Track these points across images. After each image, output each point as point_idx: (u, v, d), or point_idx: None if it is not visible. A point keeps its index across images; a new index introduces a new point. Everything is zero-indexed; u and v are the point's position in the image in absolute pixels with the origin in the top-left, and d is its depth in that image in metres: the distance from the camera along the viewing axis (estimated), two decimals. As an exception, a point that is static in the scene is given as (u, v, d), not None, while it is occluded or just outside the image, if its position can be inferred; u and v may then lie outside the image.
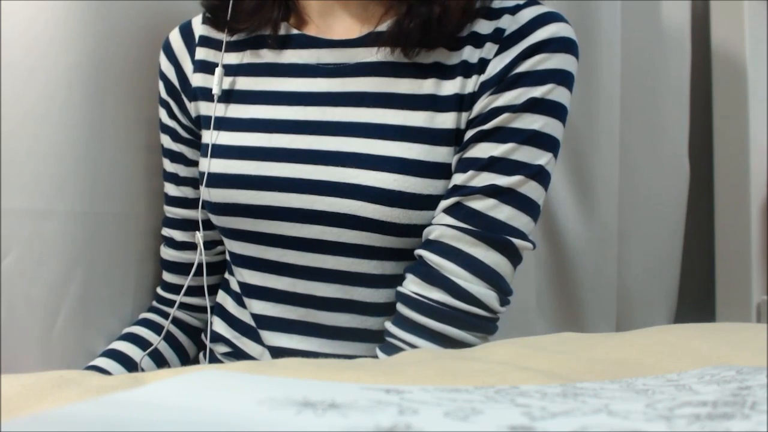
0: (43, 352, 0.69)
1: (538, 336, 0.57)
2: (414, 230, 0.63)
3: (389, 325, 0.64)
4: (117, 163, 0.75)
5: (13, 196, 0.67)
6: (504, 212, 0.62)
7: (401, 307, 0.63)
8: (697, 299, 1.32)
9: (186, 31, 0.75)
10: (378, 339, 0.67)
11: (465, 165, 0.63)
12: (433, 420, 0.28)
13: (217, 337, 0.75)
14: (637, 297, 1.21)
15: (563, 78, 0.63)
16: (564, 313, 1.13)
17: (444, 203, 0.63)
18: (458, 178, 0.63)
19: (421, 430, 0.27)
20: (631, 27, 1.16)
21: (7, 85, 0.67)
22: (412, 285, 0.62)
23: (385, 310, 0.67)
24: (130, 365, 0.72)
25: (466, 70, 0.64)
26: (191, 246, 0.76)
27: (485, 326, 0.62)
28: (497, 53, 0.63)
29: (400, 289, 0.64)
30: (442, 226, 0.62)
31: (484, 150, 0.62)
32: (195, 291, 0.76)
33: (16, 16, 0.67)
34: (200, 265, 0.74)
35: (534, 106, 0.62)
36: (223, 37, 0.71)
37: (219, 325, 0.75)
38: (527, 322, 1.05)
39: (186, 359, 0.80)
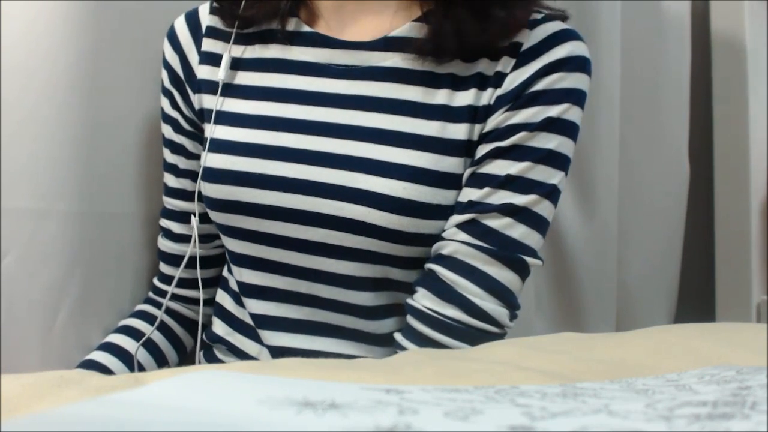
0: (43, 352, 0.69)
1: (538, 336, 0.57)
2: (420, 239, 0.63)
3: (399, 338, 0.64)
4: (117, 162, 0.75)
5: (13, 196, 0.67)
6: (518, 231, 0.62)
7: (413, 321, 0.63)
8: (697, 299, 1.32)
9: (192, 20, 0.73)
10: (381, 341, 0.67)
11: (480, 181, 0.63)
12: (433, 420, 0.28)
13: (214, 336, 0.75)
14: (637, 297, 1.21)
15: (578, 97, 0.64)
16: (564, 313, 1.13)
17: (458, 218, 0.62)
18: (473, 194, 0.62)
19: (421, 430, 0.27)
20: (632, 26, 1.16)
21: (7, 86, 0.67)
22: (425, 300, 0.62)
23: (388, 313, 0.67)
24: (125, 358, 0.72)
25: (481, 82, 0.64)
26: (189, 238, 0.75)
27: (494, 341, 0.62)
28: (514, 68, 0.63)
29: (411, 302, 0.63)
30: (456, 243, 0.62)
31: (500, 167, 0.62)
32: (192, 283, 0.75)
33: (16, 17, 0.67)
34: (194, 257, 0.74)
35: (550, 125, 0.62)
36: (230, 28, 0.70)
37: (218, 325, 0.75)
38: (527, 322, 1.05)
39: (183, 352, 0.80)
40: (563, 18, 0.66)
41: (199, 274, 0.73)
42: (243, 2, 0.69)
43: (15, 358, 0.67)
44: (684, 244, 1.29)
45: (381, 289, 0.66)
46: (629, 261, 1.19)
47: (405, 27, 0.65)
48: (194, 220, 0.73)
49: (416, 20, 0.65)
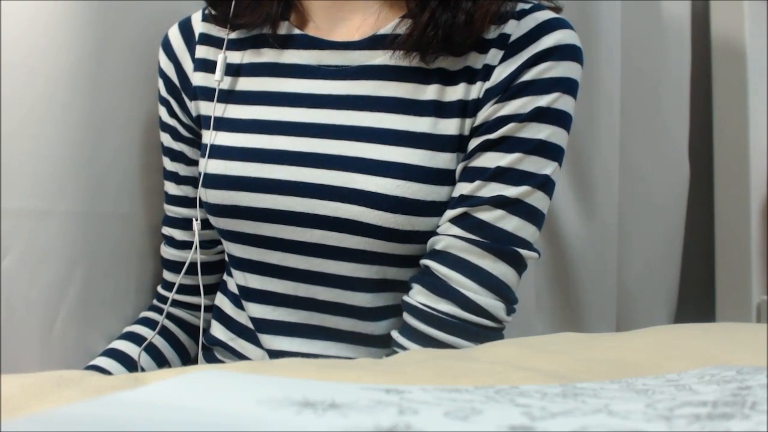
0: (43, 352, 0.69)
1: (538, 336, 0.57)
2: (416, 236, 0.63)
3: (396, 335, 0.63)
4: (117, 162, 0.75)
5: (13, 196, 0.67)
6: (511, 223, 0.62)
7: (408, 318, 0.63)
8: (697, 299, 1.32)
9: (185, 29, 0.74)
10: (380, 343, 0.67)
11: (471, 174, 0.62)
12: (433, 420, 0.28)
13: (215, 341, 0.75)
14: (637, 297, 1.21)
15: (568, 86, 0.63)
16: (564, 314, 1.13)
17: (451, 213, 0.62)
18: (465, 188, 0.62)
19: (421, 430, 0.27)
20: (632, 26, 1.16)
21: (7, 86, 0.67)
22: (419, 296, 0.62)
23: (387, 314, 0.66)
24: (129, 364, 0.72)
25: (470, 76, 0.63)
26: (192, 245, 0.76)
27: (492, 336, 0.62)
28: (502, 60, 0.62)
29: (406, 299, 0.63)
30: (449, 237, 0.62)
31: (490, 160, 0.62)
32: (195, 290, 0.76)
33: (16, 16, 0.67)
34: (196, 263, 0.74)
35: (540, 115, 0.62)
36: (223, 34, 0.71)
37: (217, 329, 0.75)
38: (527, 322, 1.05)
39: (187, 359, 0.80)
40: (555, 9, 0.65)
41: (200, 279, 0.73)
42: (232, 8, 0.69)
43: (15, 358, 0.67)
44: (684, 244, 1.29)
45: (380, 290, 0.66)
46: (629, 261, 1.19)
47: (392, 24, 0.65)
48: (196, 227, 0.73)
49: (403, 17, 0.65)
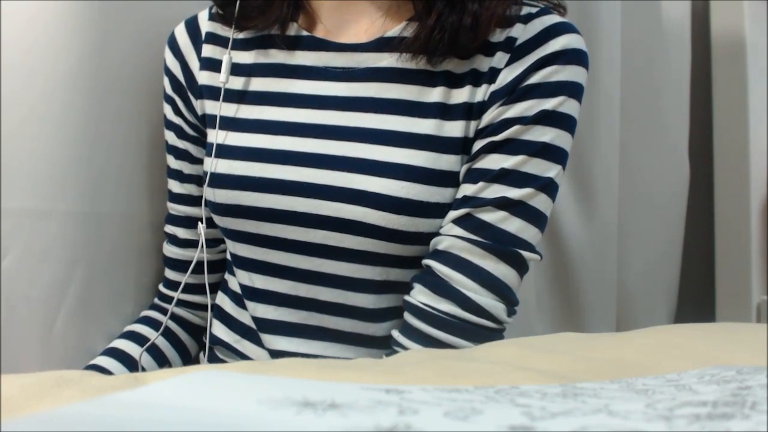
0: (43, 352, 0.69)
1: (538, 336, 0.57)
2: (419, 238, 0.63)
3: (396, 334, 0.63)
4: (117, 162, 0.75)
5: (13, 196, 0.67)
6: (514, 224, 0.62)
7: (409, 317, 0.63)
8: (697, 299, 1.32)
9: (192, 27, 0.74)
10: (380, 344, 0.67)
11: (475, 176, 0.63)
12: (433, 420, 0.28)
13: (216, 341, 0.75)
14: (637, 297, 1.21)
15: (574, 90, 0.63)
16: (564, 314, 1.13)
17: (453, 213, 0.62)
18: (468, 189, 0.62)
19: (421, 430, 0.27)
20: (632, 26, 1.16)
21: (7, 86, 0.67)
22: (420, 295, 0.62)
23: (388, 315, 0.66)
24: (130, 363, 0.72)
25: (476, 78, 0.63)
26: (194, 243, 0.76)
27: (492, 337, 0.62)
28: (508, 63, 0.63)
29: (407, 298, 0.63)
30: (451, 237, 0.62)
31: (494, 161, 0.62)
32: (197, 288, 0.76)
33: (16, 16, 0.67)
34: (200, 262, 0.74)
35: (545, 118, 0.62)
36: (230, 34, 0.71)
37: (218, 328, 0.75)
38: (527, 322, 1.05)
39: (188, 358, 0.80)
40: (560, 11, 0.66)
41: (206, 278, 0.73)
42: (237, 8, 0.69)
43: (15, 358, 0.67)
44: (684, 244, 1.29)
45: (382, 291, 0.66)
46: (629, 261, 1.19)
47: (399, 27, 0.65)
48: (201, 226, 0.73)
49: (410, 20, 0.65)
